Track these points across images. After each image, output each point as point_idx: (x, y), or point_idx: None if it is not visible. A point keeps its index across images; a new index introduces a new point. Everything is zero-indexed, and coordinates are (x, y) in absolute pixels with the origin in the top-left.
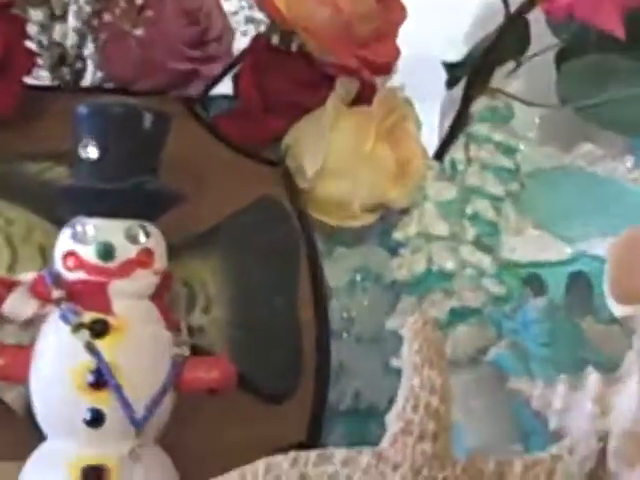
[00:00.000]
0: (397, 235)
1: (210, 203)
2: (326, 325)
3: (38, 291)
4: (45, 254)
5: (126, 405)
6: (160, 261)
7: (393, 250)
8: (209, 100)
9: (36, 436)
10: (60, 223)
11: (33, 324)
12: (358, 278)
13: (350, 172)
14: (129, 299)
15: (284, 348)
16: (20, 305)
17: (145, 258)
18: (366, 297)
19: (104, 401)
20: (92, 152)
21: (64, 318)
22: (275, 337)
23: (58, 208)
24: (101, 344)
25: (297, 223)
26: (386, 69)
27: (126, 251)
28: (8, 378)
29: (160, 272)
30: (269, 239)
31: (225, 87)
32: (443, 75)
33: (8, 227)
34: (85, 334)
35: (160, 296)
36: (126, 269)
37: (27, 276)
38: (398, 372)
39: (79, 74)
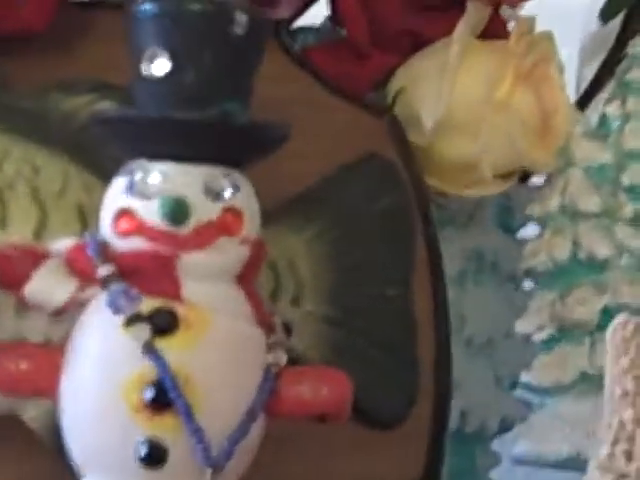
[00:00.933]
0: (533, 211)
1: (300, 159)
2: (447, 328)
3: (76, 266)
4: (85, 216)
5: (199, 435)
6: (251, 226)
7: (513, 232)
8: (293, 32)
9: (66, 472)
10: (106, 174)
11: (68, 314)
12: (470, 267)
13: (480, 124)
14: (207, 280)
15: (397, 356)
16: (50, 286)
17: (231, 221)
18: (480, 291)
19: (167, 429)
20: (160, 66)
21: (113, 306)
22: (386, 340)
23: (106, 149)
24: (166, 345)
25: (412, 191)
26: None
27: (205, 210)
28: (31, 390)
29: (251, 241)
30: (378, 212)
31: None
32: (579, 10)
33: (35, 178)
34: (144, 330)
35: (249, 277)
36: (204, 236)
37: (61, 245)
38: (513, 386)
39: None
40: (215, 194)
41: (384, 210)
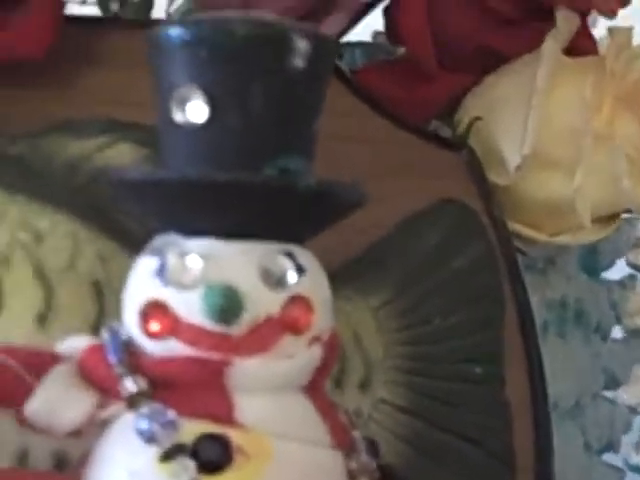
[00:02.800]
0: (637, 259)
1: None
2: (546, 409)
3: (94, 376)
4: (101, 294)
5: None
6: (323, 318)
7: (598, 274)
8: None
9: None
10: (127, 238)
11: (81, 435)
12: (552, 318)
13: (576, 160)
14: (267, 394)
15: (489, 449)
16: (60, 404)
17: (298, 315)
18: (564, 346)
19: None
20: (195, 111)
21: (145, 434)
22: (475, 431)
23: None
24: None
25: (496, 242)
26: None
27: (263, 302)
28: None
29: (322, 338)
30: (458, 269)
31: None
32: None
33: (38, 246)
34: (187, 466)
35: (319, 384)
36: (263, 337)
37: (72, 346)
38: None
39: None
40: (275, 280)
41: (464, 267)
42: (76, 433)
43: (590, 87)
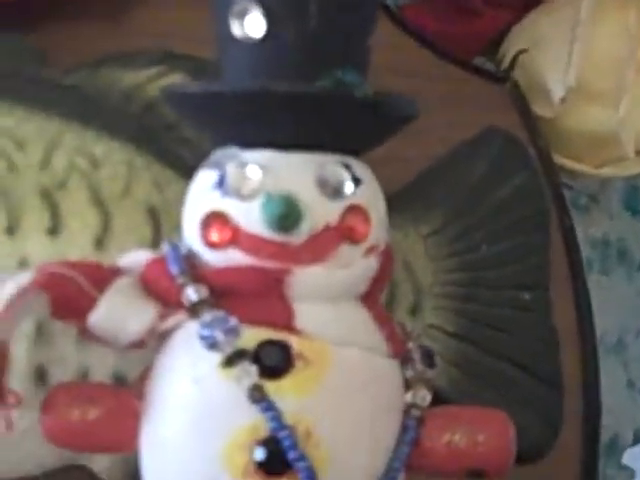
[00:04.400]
0: None
1: (412, 137)
2: (593, 336)
3: (155, 288)
4: (157, 218)
5: None
6: (379, 229)
7: None
8: None
9: None
10: (183, 164)
11: (144, 347)
12: (595, 256)
13: (621, 91)
14: (327, 302)
15: (538, 374)
16: (122, 314)
17: (355, 224)
18: (607, 283)
19: None
20: (254, 25)
21: (208, 341)
22: (524, 356)
23: (182, 132)
24: (279, 390)
25: (542, 172)
26: None
27: (322, 212)
28: (101, 445)
29: (378, 249)
30: (506, 197)
31: None
32: None
33: (94, 173)
34: (249, 371)
35: (376, 294)
36: (322, 245)
37: (133, 260)
38: None
39: None
40: (333, 190)
41: (511, 196)
42: (139, 344)
43: (633, 18)
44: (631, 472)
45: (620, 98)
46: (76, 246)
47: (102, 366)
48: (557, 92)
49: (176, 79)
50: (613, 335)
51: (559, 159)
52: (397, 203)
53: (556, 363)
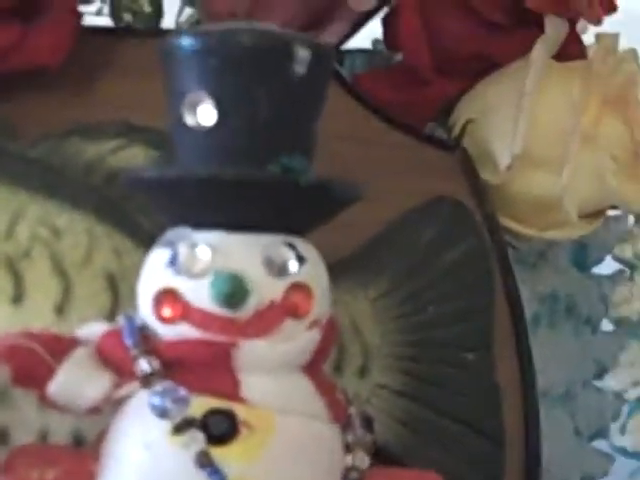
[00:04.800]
0: (622, 252)
1: (360, 203)
2: (534, 393)
3: (111, 358)
4: (116, 286)
5: None
6: (322, 304)
7: (588, 269)
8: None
9: None
10: (140, 234)
11: (99, 413)
12: (543, 311)
13: (564, 159)
14: (270, 373)
15: (481, 431)
16: (79, 383)
17: (299, 300)
18: (555, 337)
19: None
20: (206, 114)
21: (158, 409)
22: (468, 413)
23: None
24: (225, 456)
25: (488, 237)
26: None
27: (267, 289)
28: None
29: (321, 323)
30: (452, 262)
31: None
32: None
33: (56, 242)
34: (196, 438)
35: (319, 364)
36: (267, 321)
37: (90, 331)
38: (593, 439)
39: (158, 9)
40: (278, 269)
41: (458, 260)
42: (95, 411)
43: (577, 89)
44: None
45: (563, 166)
46: (38, 314)
47: (62, 427)
48: (504, 159)
49: (137, 151)
50: (560, 386)
51: (506, 222)
52: (346, 267)
53: (498, 420)
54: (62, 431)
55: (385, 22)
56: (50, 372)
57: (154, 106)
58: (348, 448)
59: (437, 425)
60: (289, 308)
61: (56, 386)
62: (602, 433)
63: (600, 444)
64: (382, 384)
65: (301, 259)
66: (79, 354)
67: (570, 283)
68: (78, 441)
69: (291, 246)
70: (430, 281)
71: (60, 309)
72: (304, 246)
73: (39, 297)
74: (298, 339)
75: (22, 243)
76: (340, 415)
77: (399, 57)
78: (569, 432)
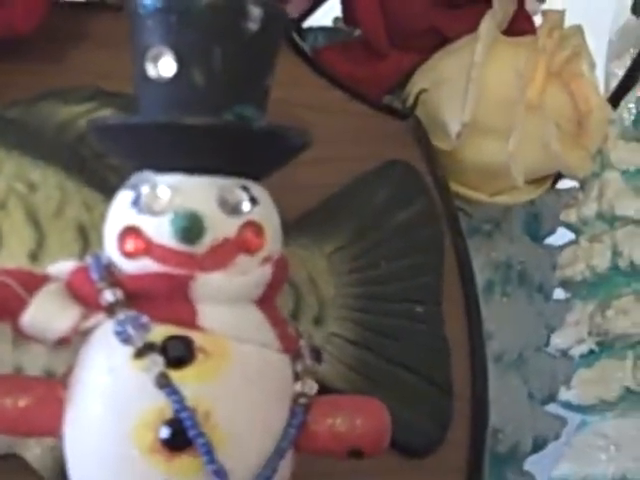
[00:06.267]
0: (567, 217)
1: (317, 167)
2: (482, 346)
3: (79, 292)
4: (86, 235)
5: (222, 477)
6: (273, 242)
7: (541, 240)
8: (302, 32)
9: None
10: (108, 188)
11: (68, 343)
12: (497, 278)
13: (511, 127)
14: (225, 304)
15: (429, 378)
16: (50, 314)
17: (251, 237)
18: (508, 303)
19: (186, 471)
20: (165, 67)
21: (121, 335)
22: (416, 362)
23: (107, 160)
24: (182, 378)
25: (438, 199)
26: None
27: (221, 226)
28: (30, 429)
29: (272, 259)
30: (403, 222)
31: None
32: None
33: (31, 195)
34: (156, 361)
35: (271, 298)
36: (221, 255)
37: (60, 268)
38: (546, 402)
39: None
40: (232, 208)
41: (409, 219)
42: (64, 341)
43: (524, 61)
44: (531, 478)
45: (510, 133)
46: (13, 261)
47: (34, 364)
48: (454, 127)
49: (106, 114)
50: (513, 352)
51: (457, 188)
52: (304, 224)
53: (446, 369)
54: (35, 367)
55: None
56: (23, 305)
57: (124, 75)
58: (297, 376)
59: (388, 373)
60: (242, 244)
61: (29, 317)
62: (554, 397)
63: (551, 407)
64: (336, 333)
65: (254, 200)
66: (50, 288)
67: (523, 252)
68: (50, 376)
69: (245, 188)
70: (382, 239)
71: (34, 256)
72: (257, 189)
73: (14, 245)
74: (251, 273)
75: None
76: (290, 346)
77: (357, 33)
78: (522, 396)
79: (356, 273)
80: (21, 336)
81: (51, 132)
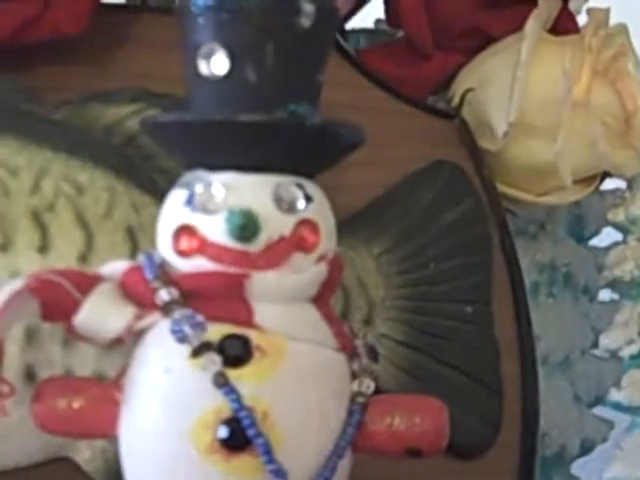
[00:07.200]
0: (615, 216)
1: (364, 168)
2: (532, 347)
3: (133, 291)
4: (134, 237)
5: (281, 477)
6: (328, 240)
7: (585, 241)
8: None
9: None
10: (157, 190)
11: (122, 344)
12: (543, 280)
13: (557, 126)
14: (281, 303)
15: (479, 379)
16: (104, 315)
17: (307, 235)
18: (554, 305)
19: (245, 471)
20: (219, 64)
21: (178, 335)
22: (467, 363)
23: (156, 162)
24: (239, 377)
25: (485, 199)
26: None
27: (277, 224)
28: (85, 431)
29: (327, 257)
30: (451, 222)
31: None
32: None
33: (79, 197)
34: (214, 360)
35: (326, 297)
36: (277, 254)
37: (113, 268)
38: (593, 405)
39: None
40: (287, 206)
41: (457, 220)
42: (118, 342)
43: (569, 60)
44: None
45: (557, 133)
46: (63, 262)
47: (84, 366)
48: (500, 127)
49: (153, 114)
50: (559, 354)
51: (503, 188)
52: (351, 226)
53: (496, 370)
54: (85, 370)
55: (386, 0)
56: (76, 305)
57: (169, 76)
58: (354, 375)
59: (437, 373)
60: (297, 242)
61: (82, 318)
62: (601, 399)
63: (599, 410)
64: (385, 334)
65: (309, 198)
66: (103, 288)
67: (568, 253)
68: (100, 379)
69: (299, 186)
70: (431, 239)
71: (84, 257)
72: (312, 187)
73: (64, 247)
74: (306, 272)
75: (47, 197)
76: (346, 344)
77: (400, 34)
78: (568, 398)
79: (405, 274)
80: (73, 337)
81: (98, 134)
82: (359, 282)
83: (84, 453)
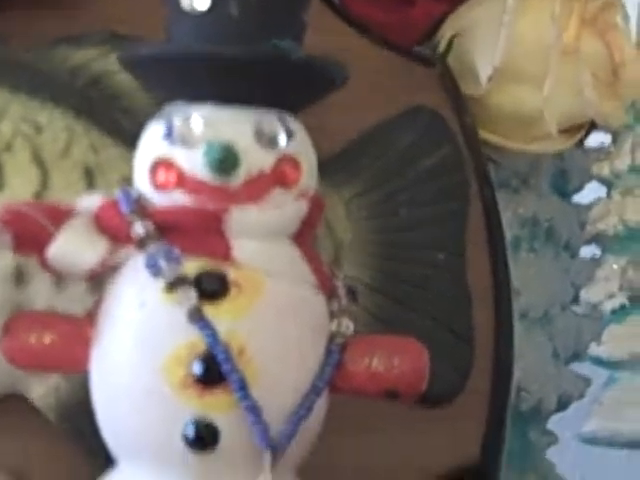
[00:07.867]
0: (600, 171)
1: (344, 112)
2: (509, 298)
3: (108, 225)
4: (91, 176)
5: (256, 414)
6: (309, 177)
7: (569, 196)
8: None
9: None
10: (118, 131)
11: (96, 278)
12: (524, 234)
13: (545, 72)
14: (260, 239)
15: (449, 326)
16: (78, 247)
17: (287, 171)
18: (535, 260)
19: (219, 407)
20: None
21: (153, 268)
22: (436, 309)
23: (119, 103)
24: (215, 312)
25: (465, 146)
26: None
27: (257, 159)
28: (54, 365)
29: (308, 195)
30: (427, 168)
31: None
32: None
33: (37, 137)
34: (189, 295)
35: (306, 235)
36: (257, 188)
37: (89, 201)
38: (571, 361)
39: None
40: (268, 140)
41: (434, 165)
42: (93, 276)
43: (558, 7)
44: (554, 437)
45: (544, 79)
46: (18, 200)
47: (70, 308)
48: (485, 72)
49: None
50: (539, 309)
51: (487, 136)
52: (322, 169)
53: (468, 318)
54: (70, 311)
55: None
56: (50, 237)
57: (137, 20)
58: (333, 315)
59: (406, 319)
60: (278, 178)
61: (55, 250)
62: (579, 355)
63: (578, 366)
64: (353, 276)
65: (290, 133)
66: (77, 221)
67: (550, 208)
68: None
69: (281, 120)
70: (405, 185)
71: (38, 195)
72: (294, 122)
73: (18, 185)
74: (286, 207)
75: (5, 137)
76: (325, 283)
77: None
78: (547, 354)
79: (375, 219)
80: (47, 270)
81: (63, 76)
82: (327, 225)
83: (37, 390)
